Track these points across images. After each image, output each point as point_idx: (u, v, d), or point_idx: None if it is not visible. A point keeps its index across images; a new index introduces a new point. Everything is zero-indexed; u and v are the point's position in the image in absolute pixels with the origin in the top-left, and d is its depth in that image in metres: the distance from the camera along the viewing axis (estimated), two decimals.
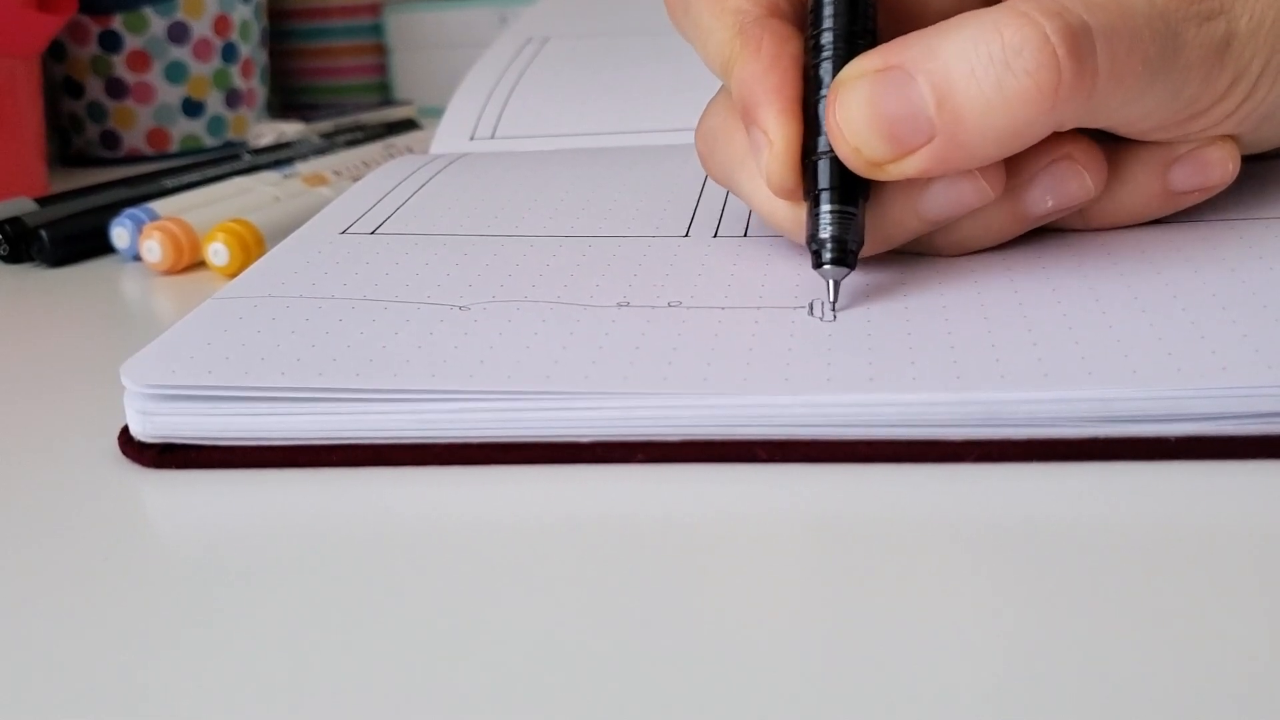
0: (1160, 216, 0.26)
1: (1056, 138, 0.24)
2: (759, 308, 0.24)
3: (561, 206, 0.32)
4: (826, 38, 0.25)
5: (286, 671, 0.16)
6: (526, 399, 0.21)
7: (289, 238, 0.30)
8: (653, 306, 0.24)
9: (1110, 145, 0.25)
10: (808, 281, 0.25)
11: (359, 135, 0.53)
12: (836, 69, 0.24)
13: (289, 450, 0.22)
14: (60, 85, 0.65)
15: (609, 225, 0.30)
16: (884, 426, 0.21)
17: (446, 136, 0.43)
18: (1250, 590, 0.16)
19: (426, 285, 0.26)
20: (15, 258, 0.40)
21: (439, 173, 0.36)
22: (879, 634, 0.16)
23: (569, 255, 0.28)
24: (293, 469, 0.22)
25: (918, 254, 0.27)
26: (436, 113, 0.51)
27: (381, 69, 0.78)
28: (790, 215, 0.25)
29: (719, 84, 0.44)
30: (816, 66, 0.25)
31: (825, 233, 0.24)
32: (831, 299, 0.24)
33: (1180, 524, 0.18)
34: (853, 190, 0.24)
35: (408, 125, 0.58)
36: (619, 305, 0.25)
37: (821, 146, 0.24)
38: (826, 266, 0.24)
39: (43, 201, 0.42)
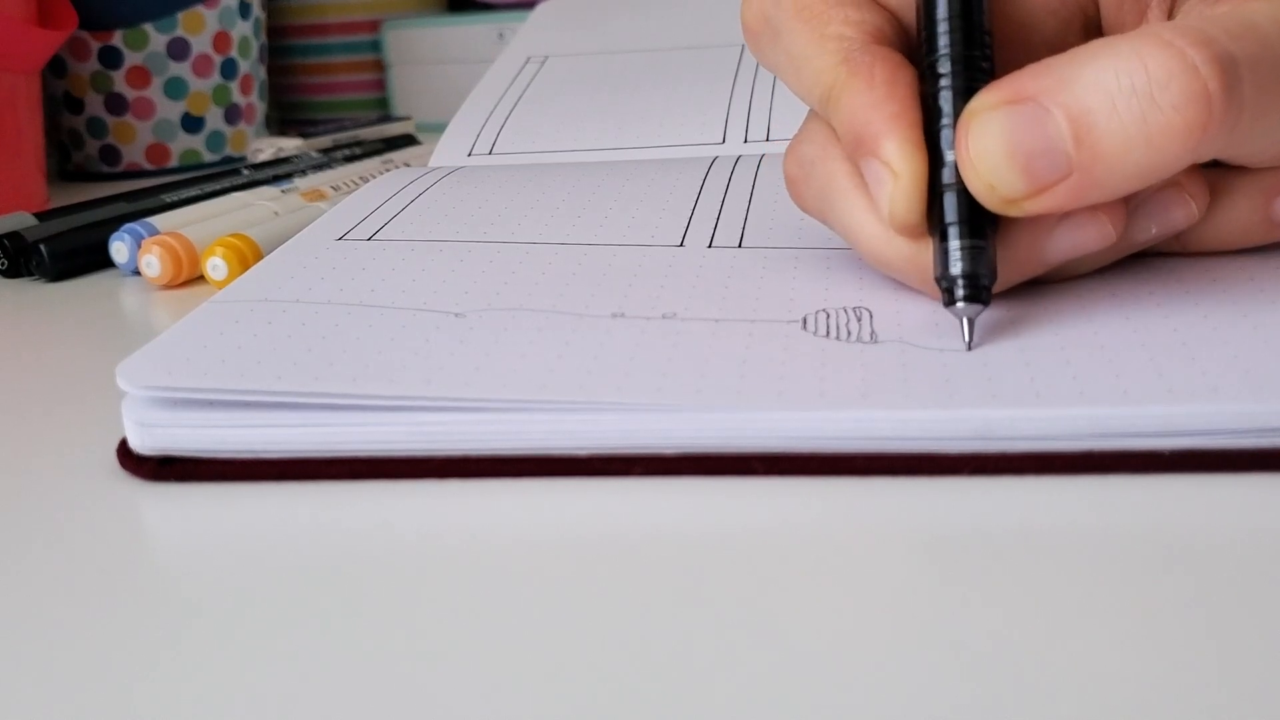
0: (1262, 244, 0.26)
1: None
2: (753, 320, 0.24)
3: (557, 213, 0.32)
4: (944, 65, 0.24)
5: (284, 687, 0.16)
6: (524, 411, 0.21)
7: (287, 243, 0.30)
8: (647, 318, 0.24)
9: (1213, 172, 0.25)
10: (801, 295, 0.25)
11: (357, 151, 0.53)
12: (957, 97, 0.23)
13: (287, 463, 0.22)
14: (60, 101, 0.65)
15: (605, 233, 0.30)
16: (879, 439, 0.21)
17: (445, 153, 0.43)
18: (1245, 602, 0.16)
19: (422, 291, 0.26)
20: (14, 272, 0.40)
21: (436, 183, 0.36)
22: (876, 645, 0.16)
23: (564, 263, 0.28)
24: (291, 481, 0.22)
25: None
26: (435, 128, 0.52)
27: (380, 85, 0.78)
28: (903, 252, 0.24)
29: (717, 103, 0.45)
30: (935, 95, 0.24)
31: (956, 269, 0.23)
32: (966, 338, 0.23)
33: (1175, 537, 0.18)
34: (981, 223, 0.23)
35: (406, 141, 0.58)
36: (614, 316, 0.25)
37: (945, 178, 0.23)
38: (959, 304, 0.23)
39: (42, 216, 0.42)
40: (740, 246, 0.29)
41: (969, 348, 0.23)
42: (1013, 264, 0.24)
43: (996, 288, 0.23)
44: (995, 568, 0.18)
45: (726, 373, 0.22)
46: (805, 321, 0.24)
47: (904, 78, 0.24)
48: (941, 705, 0.15)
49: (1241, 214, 0.25)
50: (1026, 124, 0.21)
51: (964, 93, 0.23)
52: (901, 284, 0.26)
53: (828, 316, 0.24)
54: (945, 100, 0.23)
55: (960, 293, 0.23)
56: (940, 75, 0.24)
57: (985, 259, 0.23)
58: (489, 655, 0.16)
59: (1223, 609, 0.16)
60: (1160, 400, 0.20)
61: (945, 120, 0.23)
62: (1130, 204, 0.24)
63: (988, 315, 0.24)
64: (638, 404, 0.21)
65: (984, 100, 0.22)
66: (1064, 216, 0.23)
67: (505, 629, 0.17)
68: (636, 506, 0.20)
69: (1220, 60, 0.20)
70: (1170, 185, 0.24)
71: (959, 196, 0.23)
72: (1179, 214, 0.24)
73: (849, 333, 0.23)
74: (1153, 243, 0.25)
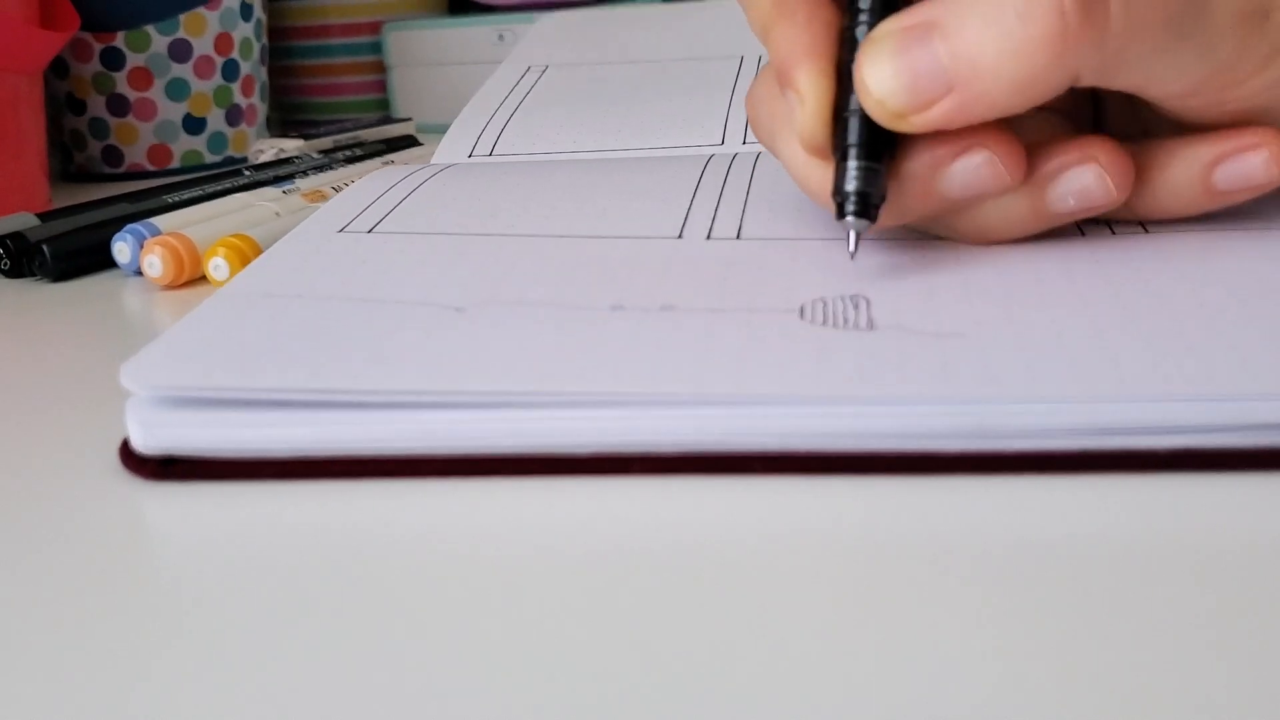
0: (1208, 212, 0.27)
1: (1084, 140, 0.25)
2: (751, 310, 0.24)
3: (557, 206, 0.32)
4: (864, 1, 0.25)
5: (285, 686, 0.16)
6: (524, 409, 0.21)
7: (287, 236, 0.31)
8: (645, 309, 0.25)
9: (1155, 141, 0.26)
10: (800, 285, 0.26)
11: (358, 152, 0.54)
12: (871, 31, 0.25)
13: (289, 463, 0.22)
14: (63, 102, 0.65)
15: (604, 225, 0.30)
16: (877, 438, 0.21)
17: (445, 155, 0.43)
18: (1242, 603, 0.16)
19: (423, 285, 0.26)
20: (17, 273, 0.40)
21: (436, 175, 0.36)
22: (875, 647, 0.16)
23: (564, 256, 0.28)
24: (293, 481, 0.22)
25: (932, 244, 0.27)
26: (435, 129, 0.52)
27: (381, 86, 0.78)
28: (820, 178, 0.26)
29: (716, 109, 0.45)
30: (853, 29, 0.25)
31: (850, 186, 0.25)
32: (851, 249, 0.25)
33: (1171, 536, 0.18)
34: (879, 147, 0.25)
35: (407, 142, 0.58)
36: (612, 308, 0.25)
37: (852, 104, 0.25)
38: (849, 218, 0.25)
39: (45, 217, 0.42)
40: (738, 238, 0.29)
41: (852, 257, 0.25)
42: (910, 195, 0.25)
43: (899, 219, 0.26)
44: (993, 568, 0.18)
45: (725, 361, 0.22)
46: (803, 310, 0.24)
47: (822, 16, 0.26)
48: (940, 707, 0.15)
49: (1182, 184, 0.26)
50: (912, 44, 0.24)
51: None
52: (897, 275, 0.26)
53: (825, 305, 0.24)
54: (860, 34, 0.25)
55: (850, 208, 0.25)
56: (860, 11, 0.25)
57: (877, 180, 0.25)
58: (489, 655, 0.16)
59: (1224, 612, 0.16)
60: (1156, 387, 0.20)
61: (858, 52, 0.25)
62: (1048, 171, 0.25)
63: (987, 302, 0.24)
64: (637, 393, 0.21)
65: (882, 28, 0.24)
66: (960, 153, 0.25)
67: (505, 628, 0.17)
68: (635, 506, 0.20)
69: None
70: (1086, 159, 0.25)
71: (860, 121, 0.25)
72: (1096, 191, 0.25)
73: (846, 320, 0.23)
74: (1076, 216, 0.26)
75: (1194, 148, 0.26)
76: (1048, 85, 0.23)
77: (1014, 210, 0.26)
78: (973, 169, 0.25)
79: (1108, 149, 0.25)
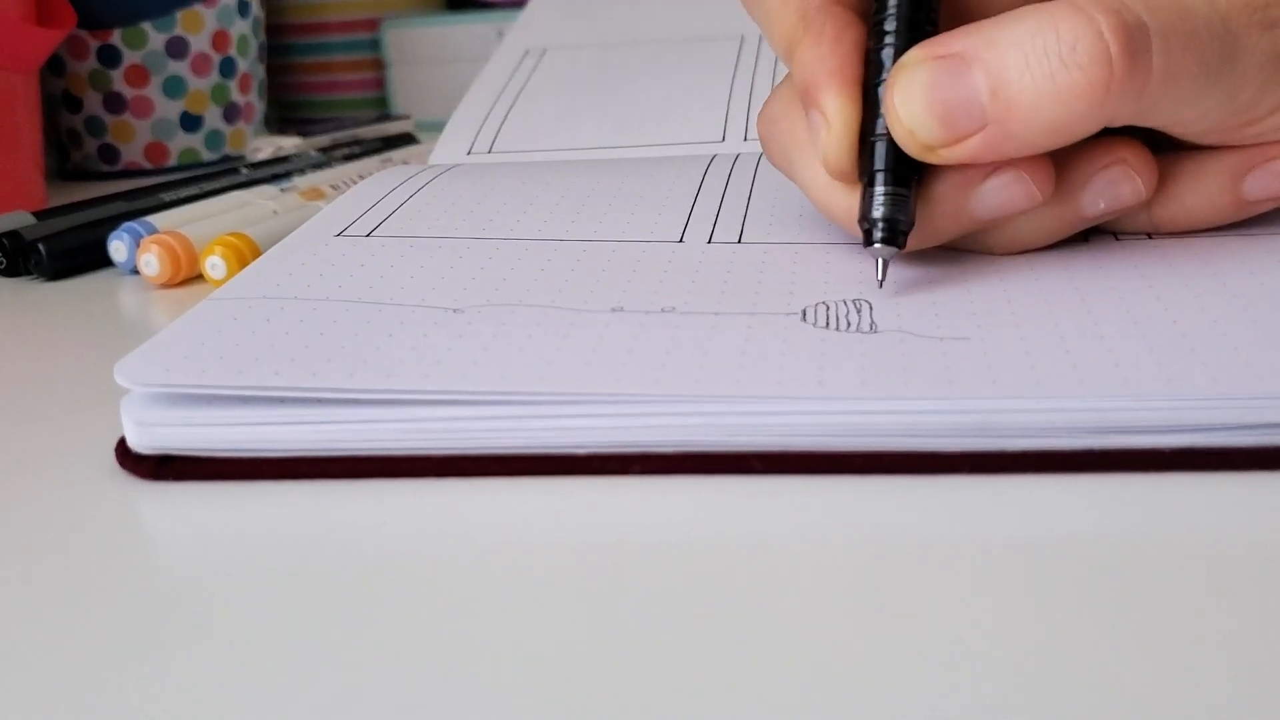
0: (1230, 222, 0.27)
1: (1110, 143, 0.25)
2: (752, 314, 0.24)
3: (557, 211, 0.32)
4: (890, 24, 0.25)
5: (283, 685, 0.16)
6: (522, 407, 0.21)
7: (285, 239, 0.30)
8: (646, 312, 0.24)
9: (1183, 153, 0.26)
10: (802, 288, 0.25)
11: (356, 149, 0.53)
12: (898, 54, 0.24)
13: (286, 462, 0.22)
14: (59, 100, 0.65)
15: (604, 230, 0.30)
16: (878, 436, 0.21)
17: (444, 152, 0.43)
18: (1246, 601, 0.16)
19: (421, 288, 0.26)
20: (13, 271, 0.40)
21: (435, 179, 0.36)
22: (878, 648, 0.16)
23: (564, 260, 0.28)
24: (290, 480, 0.22)
25: (935, 249, 0.27)
26: (434, 127, 0.52)
27: (379, 84, 0.78)
28: (844, 203, 0.26)
29: (716, 100, 0.45)
30: (878, 51, 0.25)
31: (877, 212, 0.24)
32: (879, 277, 0.25)
33: (1175, 535, 0.18)
34: (906, 173, 0.25)
35: (405, 139, 0.58)
36: (612, 310, 0.25)
37: (879, 129, 0.25)
38: (876, 245, 0.24)
39: (41, 215, 0.42)
40: (740, 242, 0.29)
41: (880, 286, 0.25)
42: (943, 215, 0.25)
43: (930, 241, 0.26)
44: (997, 567, 0.18)
45: (725, 363, 0.22)
46: (805, 313, 0.24)
47: (850, 36, 0.25)
48: (941, 708, 0.15)
49: (1212, 193, 0.26)
50: (948, 76, 0.23)
51: (904, 50, 0.24)
52: (899, 279, 0.26)
53: (827, 308, 0.24)
54: (887, 57, 0.25)
55: (878, 235, 0.24)
56: (885, 33, 0.25)
57: (905, 207, 0.24)
58: (488, 655, 0.16)
59: (1228, 610, 0.16)
60: (1160, 389, 0.20)
61: (884, 75, 0.25)
62: (1079, 180, 0.25)
63: (990, 306, 0.24)
64: (636, 395, 0.21)
65: (914, 55, 0.24)
66: (989, 174, 0.24)
67: (504, 628, 0.17)
68: (635, 505, 0.20)
69: (1125, 26, 0.22)
70: (1116, 162, 0.25)
71: (888, 146, 0.25)
72: (1126, 190, 0.25)
73: (849, 324, 0.23)
74: (1105, 218, 0.26)
75: (1221, 159, 0.26)
76: (1082, 129, 0.23)
77: (1044, 220, 0.26)
78: (1003, 188, 0.25)
79: (1133, 148, 0.25)
